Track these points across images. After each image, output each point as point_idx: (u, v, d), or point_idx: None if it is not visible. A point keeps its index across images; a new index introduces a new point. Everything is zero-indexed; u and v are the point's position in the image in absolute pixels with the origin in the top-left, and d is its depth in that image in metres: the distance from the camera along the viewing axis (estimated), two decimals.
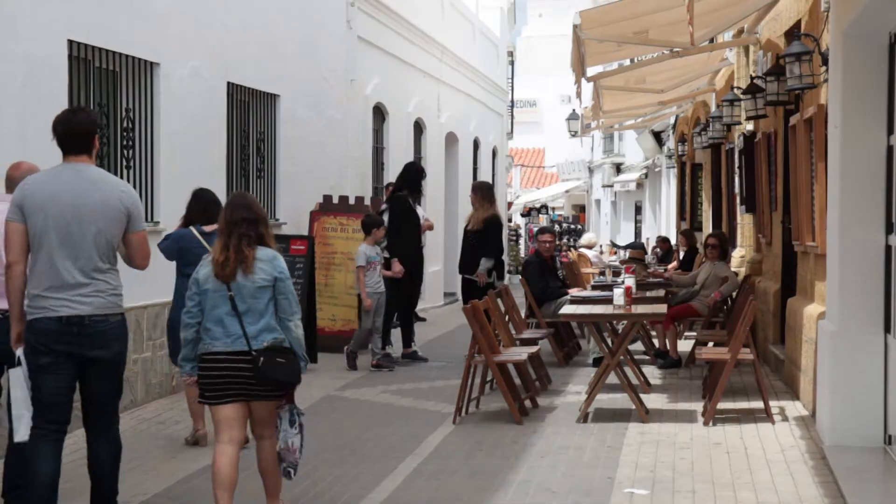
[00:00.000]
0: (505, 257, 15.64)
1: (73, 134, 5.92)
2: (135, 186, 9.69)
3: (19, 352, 5.89)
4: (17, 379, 5.83)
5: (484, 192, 12.78)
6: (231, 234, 6.09)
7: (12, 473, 6.20)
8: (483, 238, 12.42)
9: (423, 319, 16.46)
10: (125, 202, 5.93)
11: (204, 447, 8.08)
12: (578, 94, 11.38)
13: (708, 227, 18.00)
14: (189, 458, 7.81)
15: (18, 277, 5.83)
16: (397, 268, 12.35)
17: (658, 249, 19.95)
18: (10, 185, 6.53)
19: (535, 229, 22.00)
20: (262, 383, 6.04)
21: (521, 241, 36.62)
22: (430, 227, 14.55)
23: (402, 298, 12.71)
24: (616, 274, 14.69)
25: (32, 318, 5.84)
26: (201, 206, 8.35)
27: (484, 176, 25.30)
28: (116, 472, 6.12)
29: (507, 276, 16.65)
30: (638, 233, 34.50)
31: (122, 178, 9.52)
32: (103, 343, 5.90)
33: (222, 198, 11.38)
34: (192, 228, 8.25)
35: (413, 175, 13.26)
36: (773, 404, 9.46)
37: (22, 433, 5.82)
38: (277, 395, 6.16)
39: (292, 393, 6.26)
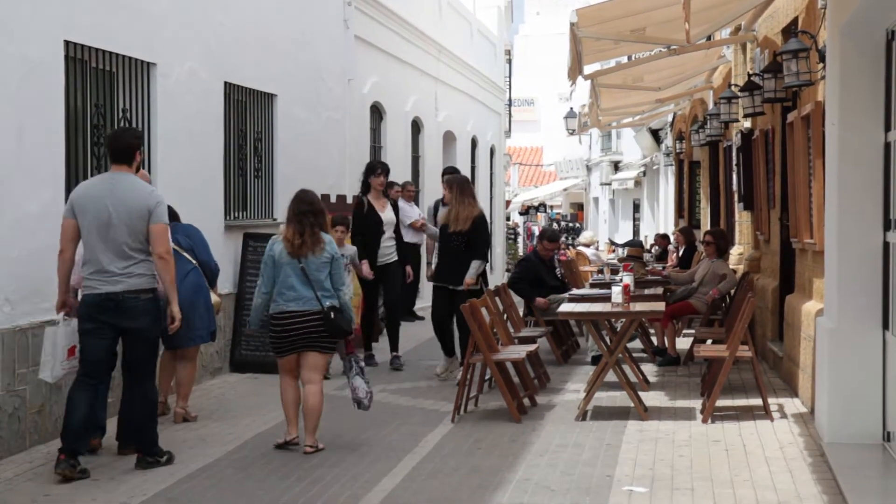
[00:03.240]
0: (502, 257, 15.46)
1: (117, 149, 7.47)
2: None
3: (60, 316, 7.48)
4: (51, 335, 7.46)
5: (462, 187, 11.18)
6: (302, 223, 8.00)
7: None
8: (472, 239, 10.94)
9: (421, 318, 16.40)
10: (147, 202, 7.34)
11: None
12: (573, 82, 11.39)
13: (706, 225, 18.01)
14: (188, 459, 7.80)
15: (67, 262, 7.39)
16: (364, 269, 11.81)
17: (656, 247, 19.95)
18: None
19: (542, 228, 22.00)
20: (332, 333, 7.98)
21: (520, 239, 36.64)
22: (419, 227, 14.37)
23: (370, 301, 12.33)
24: (614, 272, 14.70)
25: (84, 293, 7.38)
26: None
27: (482, 174, 25.26)
28: (151, 423, 7.53)
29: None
30: (636, 231, 34.50)
31: None
32: (134, 316, 7.30)
33: (222, 196, 11.49)
34: None
35: (364, 173, 12.46)
36: (772, 401, 9.47)
37: (44, 373, 7.50)
38: (331, 347, 8.11)
39: (352, 343, 8.27)
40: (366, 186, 12.22)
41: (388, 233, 12.25)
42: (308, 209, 8.07)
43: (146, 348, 7.50)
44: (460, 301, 10.17)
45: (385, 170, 12.35)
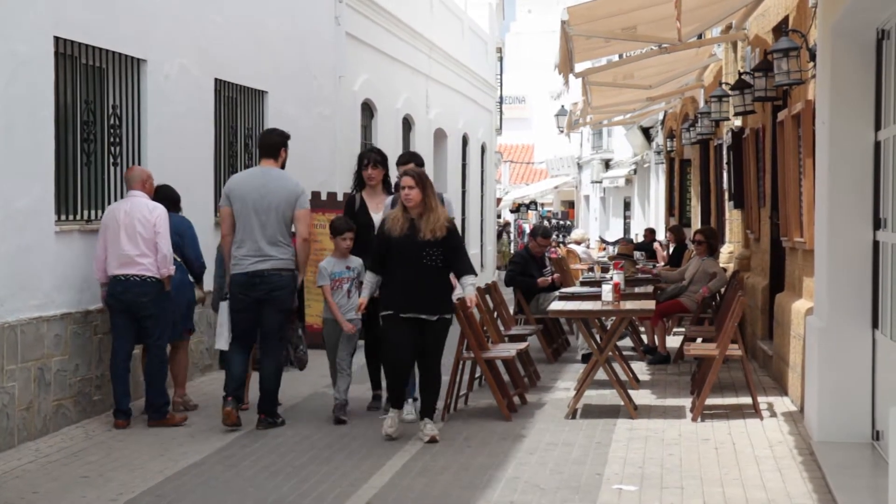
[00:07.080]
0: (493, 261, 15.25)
1: (264, 146, 8.79)
2: (121, 183, 9.71)
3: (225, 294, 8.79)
4: (223, 310, 8.75)
5: (427, 181, 8.44)
6: None
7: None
8: (450, 249, 8.36)
9: None
10: (295, 191, 8.63)
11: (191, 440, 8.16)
12: (566, 81, 11.34)
13: (697, 223, 18.03)
14: (177, 456, 7.79)
15: (228, 246, 8.64)
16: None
17: (644, 240, 19.98)
18: (128, 182, 8.95)
19: (534, 226, 21.98)
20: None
21: (511, 237, 36.62)
22: None
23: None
24: (605, 270, 14.71)
25: (233, 273, 8.61)
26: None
27: (473, 173, 25.19)
28: (275, 386, 8.72)
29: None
30: (627, 229, 34.55)
31: (108, 174, 9.63)
32: (276, 287, 8.54)
33: (212, 193, 11.46)
34: None
35: (357, 165, 9.75)
36: (762, 400, 9.48)
37: (220, 344, 8.79)
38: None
39: (294, 317, 9.08)
40: (359, 180, 9.65)
41: None
42: None
43: (282, 317, 8.68)
44: (434, 335, 8.30)
45: (373, 159, 9.53)
